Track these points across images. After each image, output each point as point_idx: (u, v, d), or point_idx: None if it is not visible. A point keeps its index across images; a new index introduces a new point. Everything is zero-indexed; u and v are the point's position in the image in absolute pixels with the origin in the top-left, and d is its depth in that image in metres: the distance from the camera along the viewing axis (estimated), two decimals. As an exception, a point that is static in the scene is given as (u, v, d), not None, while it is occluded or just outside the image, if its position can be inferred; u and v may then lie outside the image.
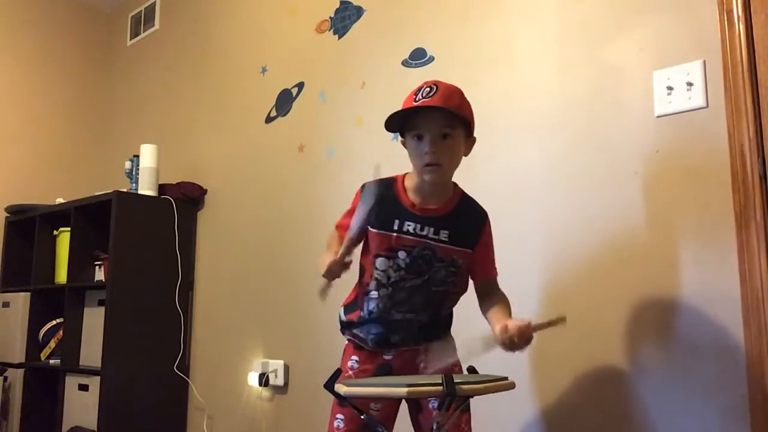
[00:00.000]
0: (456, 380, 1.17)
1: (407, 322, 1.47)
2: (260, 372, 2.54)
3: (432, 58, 2.18)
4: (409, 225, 1.44)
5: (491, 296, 1.49)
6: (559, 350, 1.74)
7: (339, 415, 1.51)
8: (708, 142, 1.55)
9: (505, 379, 1.31)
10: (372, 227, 1.46)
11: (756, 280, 1.43)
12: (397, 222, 1.44)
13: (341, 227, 1.51)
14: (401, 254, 1.44)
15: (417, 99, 1.39)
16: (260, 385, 2.51)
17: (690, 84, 1.59)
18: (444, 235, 1.44)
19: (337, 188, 2.42)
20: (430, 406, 1.46)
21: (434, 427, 1.31)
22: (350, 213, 1.50)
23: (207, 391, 2.80)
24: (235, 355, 2.70)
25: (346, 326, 1.56)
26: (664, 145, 1.62)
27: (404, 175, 1.50)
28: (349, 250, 1.39)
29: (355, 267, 1.47)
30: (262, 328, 2.63)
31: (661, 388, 1.56)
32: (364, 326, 1.50)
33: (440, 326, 1.53)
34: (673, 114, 1.61)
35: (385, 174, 1.48)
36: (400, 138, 1.49)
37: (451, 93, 1.40)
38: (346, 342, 1.58)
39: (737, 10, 1.52)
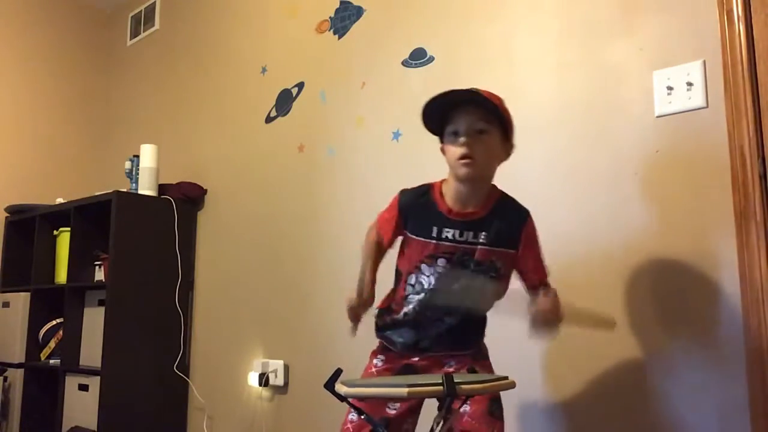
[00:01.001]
0: (456, 380, 1.17)
1: (438, 325, 1.46)
2: (260, 372, 2.54)
3: (432, 58, 2.18)
4: (447, 232, 1.42)
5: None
6: (559, 350, 1.74)
7: (380, 356, 1.53)
8: (708, 142, 1.55)
9: (505, 378, 1.31)
10: (411, 234, 1.46)
11: (756, 280, 1.43)
12: (435, 229, 1.43)
13: (381, 230, 1.49)
14: (440, 261, 1.43)
15: (442, 97, 1.40)
16: (260, 385, 2.51)
17: (690, 84, 1.59)
18: (482, 237, 1.42)
19: (337, 188, 2.42)
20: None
21: (434, 427, 1.31)
22: (387, 220, 1.49)
23: (207, 391, 2.80)
24: (235, 355, 2.70)
25: (380, 329, 1.55)
26: (664, 145, 1.62)
27: (441, 182, 1.48)
28: (370, 289, 1.39)
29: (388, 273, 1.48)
30: (262, 328, 2.63)
31: (661, 388, 1.56)
32: (396, 330, 1.50)
33: (471, 332, 1.51)
34: (673, 114, 1.62)
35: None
36: (440, 145, 1.47)
37: (490, 93, 1.41)
38: (378, 343, 1.57)
39: (737, 10, 1.52)
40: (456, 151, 1.39)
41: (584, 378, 1.69)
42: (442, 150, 1.46)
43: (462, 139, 1.38)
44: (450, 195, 1.45)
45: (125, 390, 2.65)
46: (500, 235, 1.42)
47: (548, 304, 1.31)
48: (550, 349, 1.76)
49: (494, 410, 1.41)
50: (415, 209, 1.45)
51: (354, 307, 1.37)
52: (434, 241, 1.43)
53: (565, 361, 1.74)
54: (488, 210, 1.44)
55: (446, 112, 1.42)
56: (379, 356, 1.54)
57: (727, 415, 1.46)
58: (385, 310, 1.54)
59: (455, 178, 1.42)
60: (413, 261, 1.46)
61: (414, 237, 1.45)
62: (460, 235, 1.42)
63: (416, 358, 1.50)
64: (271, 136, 2.73)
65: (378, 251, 1.48)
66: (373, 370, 1.52)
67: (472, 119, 1.39)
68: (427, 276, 1.45)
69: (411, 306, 1.47)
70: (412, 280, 1.47)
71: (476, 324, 1.52)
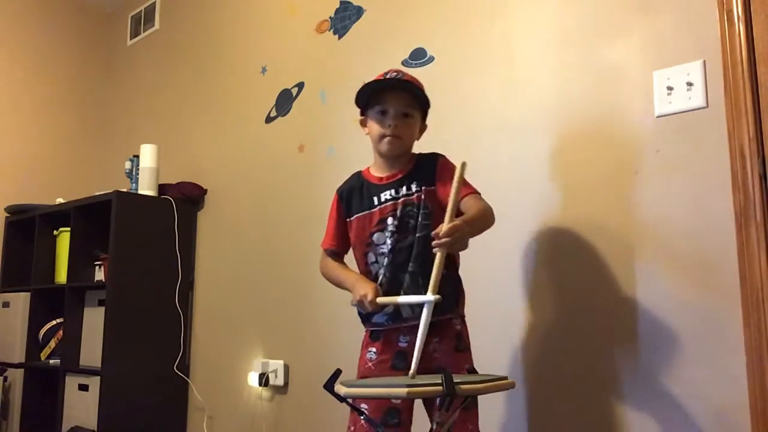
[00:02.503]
0: (456, 380, 1.18)
1: (408, 285, 1.51)
2: (260, 372, 2.54)
3: (432, 58, 2.18)
4: (385, 194, 1.59)
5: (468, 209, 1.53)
6: (559, 350, 1.75)
7: (372, 348, 1.57)
8: (708, 142, 1.55)
9: (505, 378, 1.31)
10: (356, 213, 1.62)
11: (756, 280, 1.43)
12: (375, 199, 1.59)
13: (326, 244, 1.68)
14: (389, 221, 1.56)
15: (379, 80, 1.59)
16: (260, 385, 2.51)
17: (690, 84, 1.59)
18: (414, 186, 1.58)
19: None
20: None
21: (434, 427, 1.31)
22: (328, 229, 1.68)
23: (207, 391, 2.80)
24: (235, 355, 2.70)
25: (365, 318, 1.61)
26: (664, 145, 1.62)
27: (367, 168, 1.68)
28: (362, 278, 1.55)
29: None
30: (262, 328, 2.63)
31: (661, 388, 1.56)
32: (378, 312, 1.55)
33: (444, 293, 1.49)
34: (673, 114, 1.62)
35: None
36: (359, 117, 1.67)
37: (416, 80, 1.61)
38: (364, 334, 1.62)
39: (737, 10, 1.52)
40: (383, 129, 1.58)
41: (584, 378, 1.69)
42: (362, 122, 1.66)
43: (390, 121, 1.57)
44: (377, 168, 1.65)
45: (125, 390, 2.65)
46: (423, 178, 1.58)
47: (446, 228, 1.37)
48: (551, 350, 1.76)
49: (460, 346, 1.55)
50: (353, 191, 1.62)
51: (366, 295, 1.47)
52: (377, 207, 1.59)
53: (565, 360, 1.74)
54: (412, 166, 1.62)
55: (375, 92, 1.59)
56: (370, 348, 1.58)
57: (727, 415, 1.46)
58: None
59: (379, 153, 1.63)
60: (364, 238, 1.59)
61: (359, 214, 1.61)
62: (396, 192, 1.59)
63: (404, 344, 1.53)
64: (271, 136, 2.73)
65: (339, 260, 1.67)
66: (370, 364, 1.56)
67: (399, 103, 1.58)
68: (382, 244, 1.56)
69: (381, 277, 1.54)
70: (371, 257, 1.57)
71: (444, 278, 1.51)
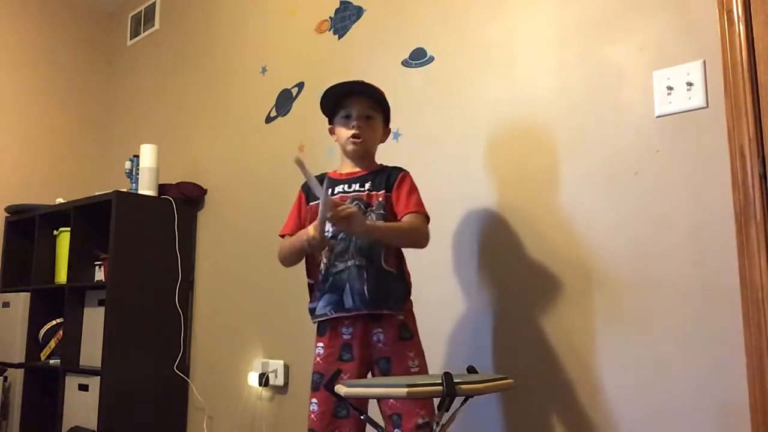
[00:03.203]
0: (456, 380, 1.18)
1: (352, 276, 1.58)
2: (260, 372, 2.54)
3: (432, 58, 2.18)
4: (339, 187, 1.70)
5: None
6: (559, 349, 1.75)
7: (313, 400, 1.64)
8: (708, 142, 1.55)
9: (505, 378, 1.31)
10: (311, 203, 1.73)
11: (756, 280, 1.43)
12: (330, 190, 1.66)
13: (286, 229, 1.78)
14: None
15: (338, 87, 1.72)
16: (260, 385, 2.51)
17: (690, 84, 1.59)
18: (368, 185, 1.69)
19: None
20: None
21: (434, 427, 1.31)
22: (290, 216, 1.78)
23: (207, 391, 2.80)
24: (235, 355, 2.70)
25: (311, 312, 1.69)
26: (664, 145, 1.62)
27: (334, 170, 1.78)
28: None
29: None
30: (262, 328, 2.63)
31: (661, 388, 1.56)
32: (320, 302, 1.63)
33: (389, 288, 1.61)
34: (673, 114, 1.61)
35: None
36: (328, 126, 1.79)
37: (375, 87, 1.74)
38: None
39: (737, 10, 1.52)
40: (348, 131, 1.70)
41: (583, 376, 1.69)
42: (331, 131, 1.78)
43: (354, 123, 1.69)
44: (341, 168, 1.76)
45: (125, 390, 2.65)
46: (381, 182, 1.69)
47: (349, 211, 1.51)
48: (550, 349, 1.76)
49: (404, 334, 1.62)
50: (313, 183, 1.63)
51: (309, 235, 1.55)
52: (332, 196, 1.65)
53: (563, 360, 1.74)
54: (371, 170, 1.73)
55: (340, 99, 1.72)
56: (318, 344, 1.68)
57: (727, 415, 1.46)
58: (311, 294, 1.72)
59: (345, 153, 1.75)
60: (286, 229, 1.75)
61: (314, 203, 1.69)
62: (349, 186, 1.70)
63: (348, 336, 1.61)
64: (271, 136, 2.73)
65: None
66: (318, 359, 1.66)
67: (362, 106, 1.71)
68: (328, 229, 1.63)
69: (322, 265, 1.64)
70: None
71: (388, 275, 1.62)
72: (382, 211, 1.64)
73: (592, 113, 1.76)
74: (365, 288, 1.57)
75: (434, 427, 1.31)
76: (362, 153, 1.73)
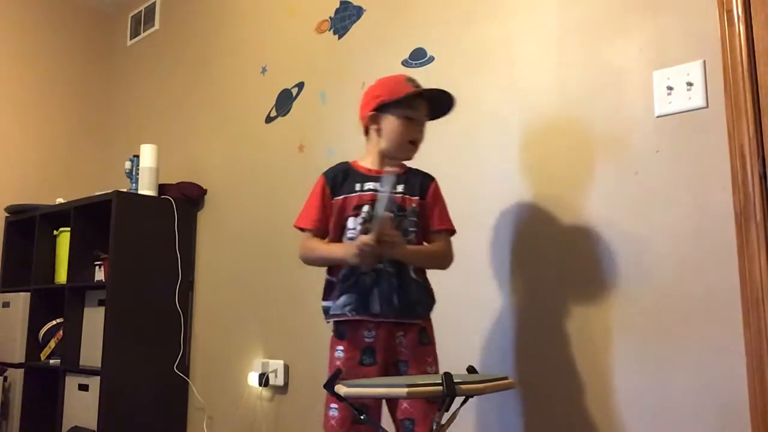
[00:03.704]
0: (456, 380, 1.18)
1: (381, 281, 1.54)
2: (260, 372, 2.54)
3: (432, 58, 2.18)
4: (369, 184, 1.62)
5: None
6: (559, 349, 1.74)
7: (333, 405, 1.56)
8: (708, 142, 1.55)
9: (505, 378, 1.31)
10: (335, 197, 1.64)
11: (756, 280, 1.43)
12: (358, 185, 1.62)
13: (310, 224, 1.65)
14: (365, 207, 1.59)
15: (414, 87, 1.63)
16: (260, 385, 2.51)
17: (690, 84, 1.59)
18: (400, 188, 1.62)
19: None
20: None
21: (434, 428, 1.31)
22: (312, 209, 1.65)
23: (207, 391, 2.80)
24: (235, 355, 2.70)
25: (325, 311, 1.63)
26: (664, 145, 1.62)
27: (354, 160, 1.70)
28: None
29: None
30: (262, 328, 2.63)
31: (661, 388, 1.56)
32: (338, 301, 1.57)
33: (417, 298, 1.59)
34: (673, 114, 1.61)
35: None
36: (371, 111, 1.65)
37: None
38: (331, 334, 1.64)
39: (737, 10, 1.52)
40: (410, 134, 1.63)
41: (583, 378, 1.69)
42: (374, 119, 1.64)
43: (419, 128, 1.64)
44: (368, 162, 1.67)
45: (125, 390, 2.65)
46: (414, 188, 1.65)
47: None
48: (549, 348, 1.76)
49: (423, 340, 1.59)
50: (340, 174, 1.65)
51: (368, 242, 1.47)
52: (358, 193, 1.61)
53: (562, 358, 1.74)
54: (403, 171, 1.67)
55: (410, 99, 1.61)
56: (337, 347, 1.60)
57: (727, 415, 1.46)
58: (325, 290, 1.64)
59: (386, 150, 1.64)
60: (341, 221, 1.62)
61: (341, 197, 1.63)
62: (382, 186, 1.58)
63: (370, 339, 1.56)
64: (271, 136, 2.73)
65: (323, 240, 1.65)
66: (338, 363, 1.58)
67: (425, 113, 1.65)
68: (352, 229, 1.59)
69: (346, 268, 1.57)
70: (349, 233, 1.60)
71: (418, 282, 1.59)
72: (415, 218, 1.61)
73: (592, 113, 1.76)
74: (394, 296, 1.54)
75: (434, 427, 1.31)
76: (412, 157, 1.69)
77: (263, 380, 2.50)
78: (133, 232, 2.78)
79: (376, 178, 1.62)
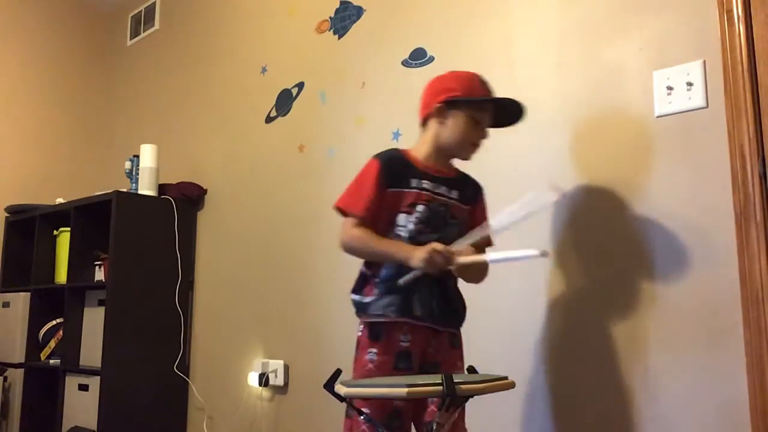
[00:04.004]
0: (456, 380, 1.18)
1: (424, 287, 1.49)
2: (260, 372, 2.54)
3: (432, 58, 2.18)
4: (424, 183, 1.55)
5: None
6: (559, 350, 1.74)
7: (372, 349, 1.50)
8: (708, 142, 1.55)
9: (505, 378, 1.31)
10: (390, 188, 1.54)
11: (756, 280, 1.43)
12: (414, 180, 1.55)
13: (363, 210, 1.52)
14: (420, 208, 1.53)
15: (488, 91, 1.59)
16: (260, 385, 2.51)
17: (690, 84, 1.59)
18: (455, 194, 1.59)
19: (337, 188, 2.40)
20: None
21: (434, 428, 1.31)
22: (365, 195, 1.52)
23: (207, 391, 2.80)
24: (235, 355, 2.70)
25: (361, 307, 1.55)
26: (664, 145, 1.62)
27: (407, 149, 1.62)
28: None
29: None
30: (262, 328, 2.63)
31: (661, 388, 1.56)
32: (380, 301, 1.50)
33: (455, 309, 1.56)
34: (673, 114, 1.61)
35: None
36: (438, 105, 1.57)
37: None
38: (359, 332, 1.55)
39: (737, 10, 1.52)
40: (475, 136, 1.57)
41: (585, 376, 1.69)
42: (443, 112, 1.56)
43: (484, 132, 1.59)
44: (423, 156, 1.59)
45: (125, 390, 2.65)
46: (467, 195, 1.62)
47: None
48: (548, 348, 1.76)
49: (455, 342, 1.58)
50: (396, 162, 1.56)
51: (439, 250, 1.43)
52: (415, 190, 1.54)
53: (564, 358, 1.74)
54: (455, 174, 1.64)
55: (482, 103, 1.58)
56: (370, 349, 1.51)
57: (727, 415, 1.46)
58: (360, 283, 1.57)
59: (446, 149, 1.59)
60: (391, 215, 1.54)
61: (396, 189, 1.54)
62: (437, 187, 1.57)
63: (406, 343, 1.50)
64: (271, 136, 2.73)
65: (373, 231, 1.54)
66: (371, 366, 1.49)
67: (490, 118, 1.60)
68: (402, 227, 1.53)
69: (391, 266, 1.50)
70: (397, 230, 1.53)
71: (456, 292, 1.58)
72: (461, 227, 1.57)
73: (592, 113, 1.76)
74: (434, 303, 1.51)
75: (434, 427, 1.31)
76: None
77: (263, 380, 2.50)
78: (133, 232, 2.78)
79: (432, 177, 1.56)
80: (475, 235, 1.50)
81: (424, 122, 1.62)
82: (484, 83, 1.59)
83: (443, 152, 1.60)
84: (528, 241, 1.84)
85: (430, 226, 1.53)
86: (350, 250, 1.55)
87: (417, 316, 1.49)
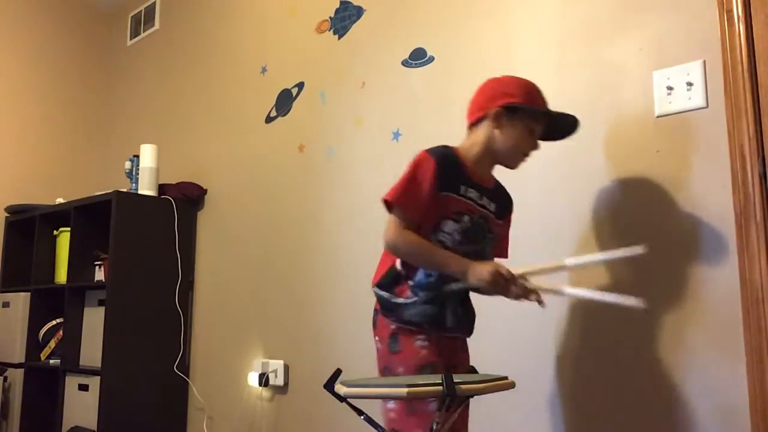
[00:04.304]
0: (455, 380, 1.18)
1: (454, 299, 1.48)
2: (260, 372, 2.54)
3: (432, 58, 2.18)
4: (471, 192, 1.52)
5: None
6: (560, 350, 1.74)
7: (420, 336, 1.46)
8: (708, 142, 1.55)
9: (505, 378, 1.31)
10: (443, 191, 1.48)
11: (756, 280, 1.43)
12: (463, 187, 1.51)
13: (414, 213, 1.46)
14: (465, 218, 1.50)
15: (545, 102, 1.54)
16: (260, 385, 2.51)
17: (690, 84, 1.59)
18: (493, 206, 1.58)
19: (337, 188, 2.42)
20: None
21: (434, 428, 1.31)
22: (421, 194, 1.45)
23: (207, 391, 2.80)
24: (235, 355, 2.70)
25: (391, 307, 1.48)
26: (664, 145, 1.62)
27: (458, 148, 1.55)
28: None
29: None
30: (262, 328, 2.63)
31: (661, 389, 1.56)
32: (416, 308, 1.46)
33: (471, 318, 1.57)
34: (673, 114, 1.62)
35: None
36: (496, 109, 1.50)
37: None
38: (392, 326, 1.48)
39: (737, 10, 1.52)
40: (527, 146, 1.54)
41: (586, 375, 1.69)
42: (500, 117, 1.50)
43: (536, 143, 1.55)
44: (472, 159, 1.54)
45: (125, 390, 2.65)
46: (501, 209, 1.61)
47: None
48: (547, 348, 1.76)
49: (464, 347, 1.58)
50: (450, 164, 1.49)
51: (502, 274, 1.42)
52: (464, 198, 1.51)
53: (564, 358, 1.74)
54: (494, 184, 1.61)
55: (538, 115, 1.53)
56: (418, 337, 1.46)
57: (727, 415, 1.46)
58: (390, 278, 1.50)
59: (503, 158, 1.55)
60: (437, 219, 1.47)
61: (444, 194, 1.48)
62: (480, 198, 1.54)
63: (424, 344, 1.47)
64: (271, 136, 2.73)
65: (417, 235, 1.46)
66: (425, 352, 1.45)
67: (541, 131, 1.56)
68: (447, 234, 1.48)
69: (434, 276, 1.45)
70: (441, 236, 1.48)
71: (470, 305, 1.58)
72: (494, 242, 1.58)
73: (592, 113, 1.76)
74: (459, 312, 1.49)
75: (434, 427, 1.31)
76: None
77: (263, 380, 2.50)
78: (133, 232, 2.78)
79: (478, 186, 1.52)
80: (535, 269, 1.49)
81: (475, 123, 1.56)
82: (542, 93, 1.54)
83: (493, 158, 1.55)
84: (528, 245, 1.84)
85: (470, 239, 1.50)
86: (398, 252, 1.48)
87: (448, 328, 1.48)
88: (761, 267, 1.42)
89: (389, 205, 1.48)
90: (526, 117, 1.51)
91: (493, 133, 1.52)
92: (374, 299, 1.55)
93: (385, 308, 1.50)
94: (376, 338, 1.53)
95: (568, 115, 1.54)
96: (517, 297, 1.46)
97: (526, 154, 1.55)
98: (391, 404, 1.44)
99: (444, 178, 1.47)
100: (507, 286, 1.43)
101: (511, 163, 1.57)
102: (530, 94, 1.51)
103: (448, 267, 1.44)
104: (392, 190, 1.47)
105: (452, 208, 1.48)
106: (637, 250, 1.40)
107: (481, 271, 1.41)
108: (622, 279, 1.65)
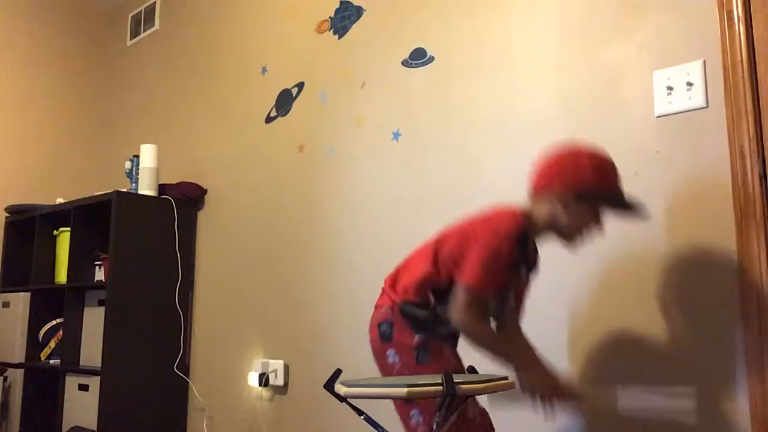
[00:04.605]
0: (456, 380, 1.18)
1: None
2: (260, 372, 2.54)
3: (432, 58, 2.18)
4: (523, 270, 1.52)
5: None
6: (560, 350, 1.74)
7: (446, 345, 1.51)
8: (708, 142, 1.55)
9: (505, 379, 1.31)
10: (509, 269, 1.44)
11: (756, 281, 1.43)
12: (523, 269, 1.52)
13: (488, 289, 1.45)
14: (510, 298, 1.54)
15: (618, 181, 1.47)
16: (260, 385, 2.51)
17: (690, 84, 1.59)
18: (524, 274, 1.54)
19: (337, 188, 2.42)
20: None
21: (434, 428, 1.31)
22: (496, 269, 1.41)
23: (207, 391, 2.80)
24: (235, 355, 2.70)
25: (426, 327, 1.48)
26: (664, 145, 1.62)
27: (527, 215, 1.47)
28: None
29: None
30: (262, 328, 2.63)
31: (661, 389, 1.56)
32: (443, 326, 1.48)
33: None
34: (673, 114, 1.62)
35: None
36: (567, 191, 1.44)
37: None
38: (419, 338, 1.49)
39: (737, 10, 1.52)
40: (594, 228, 1.47)
41: (586, 376, 1.69)
42: (567, 200, 1.43)
43: (600, 226, 1.47)
44: (536, 233, 1.51)
45: (125, 390, 2.65)
46: (527, 272, 1.58)
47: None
48: (548, 348, 1.77)
49: (421, 357, 1.47)
50: (522, 243, 1.45)
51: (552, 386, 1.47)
52: (517, 277, 1.51)
53: (563, 358, 1.74)
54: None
55: (604, 200, 1.46)
56: (446, 346, 1.50)
57: (727, 415, 1.45)
58: (423, 307, 1.49)
59: (565, 238, 1.48)
60: (485, 289, 1.43)
61: (508, 272, 1.46)
62: (527, 273, 1.55)
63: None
64: (271, 136, 2.73)
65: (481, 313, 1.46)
66: (453, 361, 1.50)
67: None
68: (488, 309, 1.50)
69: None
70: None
71: None
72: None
73: (592, 113, 1.76)
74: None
75: (434, 427, 1.31)
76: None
77: (263, 380, 2.50)
78: (133, 232, 2.78)
79: (529, 265, 1.54)
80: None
81: (539, 193, 1.48)
82: (616, 172, 1.45)
83: (552, 234, 1.49)
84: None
85: (495, 310, 1.53)
86: (466, 333, 1.47)
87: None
88: (761, 267, 1.42)
89: (467, 287, 1.42)
90: (597, 203, 1.45)
91: (558, 213, 1.44)
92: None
93: (416, 326, 1.47)
94: (390, 351, 1.49)
95: (639, 206, 1.46)
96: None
97: (584, 234, 1.47)
98: (414, 420, 1.44)
99: (515, 257, 1.43)
100: (549, 402, 1.48)
101: (570, 242, 1.49)
102: (605, 178, 1.44)
103: (508, 359, 1.49)
104: (473, 274, 1.40)
105: (502, 284, 1.47)
106: None
107: (530, 379, 1.48)
108: (621, 279, 1.65)
